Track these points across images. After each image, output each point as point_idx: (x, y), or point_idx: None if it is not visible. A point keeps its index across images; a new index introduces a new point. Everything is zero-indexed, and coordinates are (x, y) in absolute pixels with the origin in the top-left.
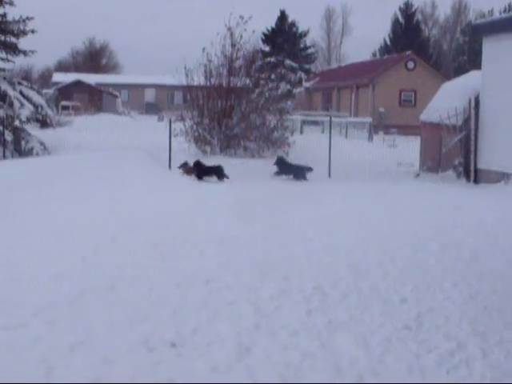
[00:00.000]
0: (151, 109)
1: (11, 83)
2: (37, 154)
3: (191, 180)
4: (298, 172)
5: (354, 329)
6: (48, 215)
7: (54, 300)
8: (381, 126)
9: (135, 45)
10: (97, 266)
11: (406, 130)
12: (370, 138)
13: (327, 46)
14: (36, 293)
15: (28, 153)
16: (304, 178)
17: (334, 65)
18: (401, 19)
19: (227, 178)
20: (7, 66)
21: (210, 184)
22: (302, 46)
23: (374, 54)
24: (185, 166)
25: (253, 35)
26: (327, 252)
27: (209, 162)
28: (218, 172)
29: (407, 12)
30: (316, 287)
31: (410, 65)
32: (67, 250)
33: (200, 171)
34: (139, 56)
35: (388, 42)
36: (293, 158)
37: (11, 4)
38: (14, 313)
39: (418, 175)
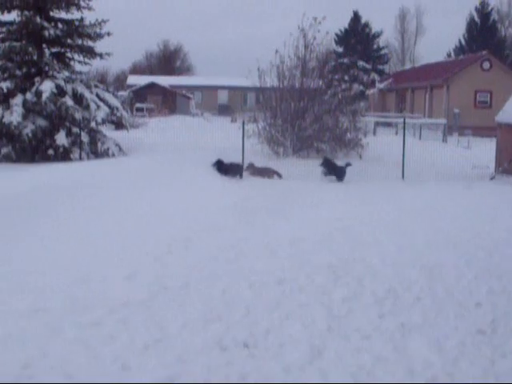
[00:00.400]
0: (224, 110)
1: (88, 86)
2: (112, 155)
3: (258, 181)
4: (340, 173)
5: (427, 332)
6: (120, 216)
7: (128, 299)
8: (455, 127)
9: (208, 47)
10: (170, 266)
11: (481, 131)
12: (444, 140)
13: (401, 47)
14: (110, 292)
15: (104, 154)
16: (341, 178)
17: (408, 65)
18: (476, 19)
19: (241, 176)
20: (84, 68)
21: (272, 184)
22: (375, 46)
23: (449, 55)
24: (251, 168)
25: (326, 36)
26: (400, 254)
27: (281, 163)
28: (237, 170)
29: (483, 11)
30: (389, 290)
31: (486, 65)
32: (141, 250)
33: (220, 169)
34: (212, 58)
35: (463, 42)
36: (366, 160)
37: (88, 9)
38: (89, 312)
39: (493, 177)
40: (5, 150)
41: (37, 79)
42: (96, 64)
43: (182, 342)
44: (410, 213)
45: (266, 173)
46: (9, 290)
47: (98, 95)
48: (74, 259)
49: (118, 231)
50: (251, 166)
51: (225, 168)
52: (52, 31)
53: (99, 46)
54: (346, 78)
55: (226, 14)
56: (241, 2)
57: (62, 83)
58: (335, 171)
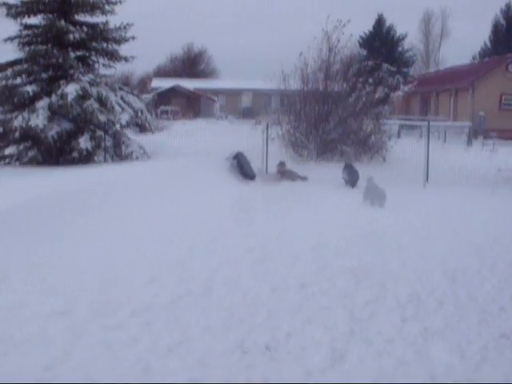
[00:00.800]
0: (248, 113)
1: (112, 89)
2: (136, 158)
3: (281, 184)
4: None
5: (450, 337)
6: (141, 220)
7: (151, 302)
8: (480, 130)
9: (232, 50)
10: (193, 269)
11: (506, 134)
12: (469, 143)
13: (425, 50)
14: (133, 295)
15: (128, 157)
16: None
17: (433, 68)
18: (502, 21)
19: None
20: (108, 72)
21: (294, 188)
22: (399, 49)
23: (474, 57)
24: (281, 166)
25: (350, 39)
26: (423, 259)
27: (305, 166)
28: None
29: (508, 13)
30: (411, 294)
31: None
32: (163, 254)
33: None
34: (236, 61)
35: (488, 45)
36: (389, 163)
37: (112, 13)
38: (112, 313)
39: None
40: (31, 153)
41: (62, 82)
42: (120, 67)
43: (204, 345)
44: (433, 217)
45: (291, 175)
46: (34, 292)
47: (122, 98)
48: (97, 263)
49: (140, 235)
50: (281, 165)
51: (243, 162)
52: (77, 34)
53: (124, 49)
54: (371, 80)
55: (250, 17)
56: (265, 6)
57: (87, 86)
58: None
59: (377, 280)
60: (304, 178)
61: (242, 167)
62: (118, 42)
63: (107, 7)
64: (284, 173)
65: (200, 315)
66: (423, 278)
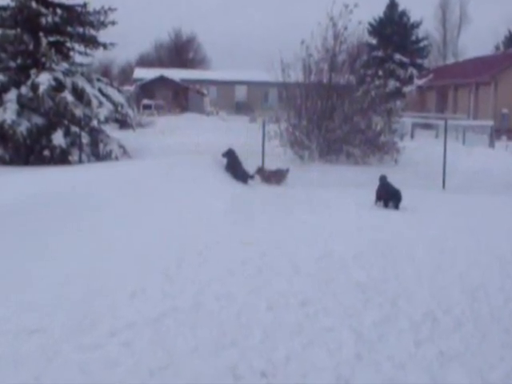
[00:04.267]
0: (242, 108)
1: (89, 80)
2: (116, 157)
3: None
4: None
5: (469, 362)
6: (124, 228)
7: (133, 320)
8: (504, 129)
9: (225, 37)
10: (179, 283)
11: None
12: (491, 144)
13: (442, 39)
14: (113, 311)
15: (106, 156)
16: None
17: (451, 60)
18: None
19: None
20: (85, 60)
21: (294, 192)
22: (413, 38)
23: (497, 48)
24: (261, 172)
25: (358, 26)
26: (439, 274)
27: (306, 169)
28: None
29: None
30: (426, 313)
31: None
32: (146, 265)
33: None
34: (230, 49)
35: None
36: (402, 166)
37: None
38: (90, 332)
39: None
40: None
41: (33, 71)
42: (99, 55)
43: (192, 369)
44: (451, 227)
45: (277, 176)
46: (7, 308)
47: (100, 90)
48: (74, 275)
49: (123, 244)
50: (260, 171)
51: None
52: (50, 18)
53: (102, 35)
54: (381, 73)
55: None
56: None
57: (61, 76)
58: (389, 196)
59: (387, 297)
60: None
61: (233, 168)
62: (97, 27)
63: None
64: (269, 177)
65: (187, 334)
66: (439, 294)
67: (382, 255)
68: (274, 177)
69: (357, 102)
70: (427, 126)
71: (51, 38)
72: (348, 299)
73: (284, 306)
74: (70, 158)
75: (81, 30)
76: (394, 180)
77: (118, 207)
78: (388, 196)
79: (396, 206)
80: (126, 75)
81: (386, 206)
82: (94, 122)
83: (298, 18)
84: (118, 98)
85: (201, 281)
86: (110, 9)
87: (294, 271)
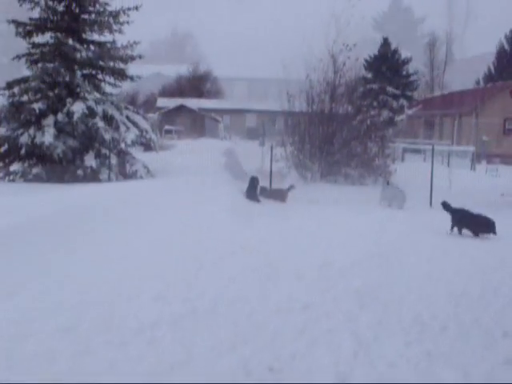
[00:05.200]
0: (253, 133)
1: (118, 108)
2: (141, 177)
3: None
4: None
5: (453, 361)
6: (147, 237)
7: (155, 320)
8: (483, 155)
9: (237, 70)
10: (198, 288)
11: (509, 159)
12: (473, 167)
13: (430, 74)
14: (137, 312)
15: (132, 175)
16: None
17: (437, 92)
18: (506, 47)
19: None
20: (115, 91)
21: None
22: (404, 73)
23: (478, 82)
24: (264, 192)
25: (356, 62)
26: (428, 282)
27: (309, 188)
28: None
29: None
30: (415, 317)
31: None
32: (168, 272)
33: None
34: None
35: (492, 70)
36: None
37: (120, 32)
38: (116, 331)
39: None
40: (35, 170)
41: (68, 100)
42: (126, 86)
43: (208, 365)
44: (440, 241)
45: (279, 194)
46: (41, 309)
47: (127, 117)
48: (102, 280)
49: (146, 252)
50: (264, 191)
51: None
52: (84, 53)
53: (130, 68)
54: (375, 103)
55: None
56: (273, 27)
57: (93, 104)
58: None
59: (381, 302)
60: (291, 187)
61: (250, 191)
62: (125, 60)
63: (115, 26)
64: (272, 195)
65: (205, 334)
66: (427, 300)
67: (377, 266)
68: (277, 195)
69: (354, 129)
70: (416, 151)
71: (85, 71)
72: (346, 304)
73: (290, 309)
74: (100, 176)
75: (111, 63)
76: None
77: (142, 219)
78: (477, 225)
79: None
80: (150, 104)
81: (476, 235)
82: (122, 145)
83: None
84: (143, 124)
85: (217, 286)
86: (135, 42)
87: (297, 279)
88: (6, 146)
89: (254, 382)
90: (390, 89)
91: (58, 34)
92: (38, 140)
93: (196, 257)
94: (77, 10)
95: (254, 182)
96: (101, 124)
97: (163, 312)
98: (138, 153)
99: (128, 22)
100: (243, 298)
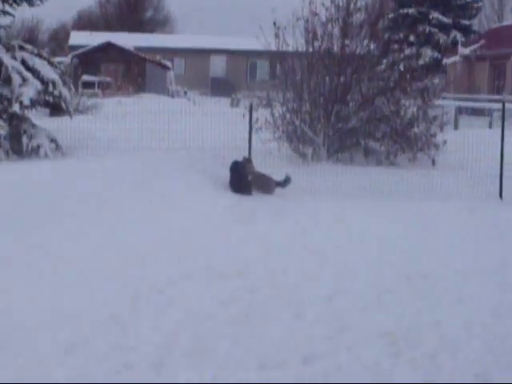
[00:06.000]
0: (220, 87)
1: (8, 48)
2: (46, 155)
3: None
4: None
5: None
6: (68, 255)
7: None
8: None
9: None
10: (134, 330)
11: None
12: None
13: None
14: (45, 370)
15: (32, 153)
16: None
17: (508, 20)
18: None
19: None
20: (3, 21)
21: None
22: None
23: None
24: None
25: None
26: (495, 318)
27: (310, 171)
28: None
29: None
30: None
31: None
32: (90, 306)
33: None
34: (201, 7)
35: None
36: (442, 168)
37: None
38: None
39: None
40: None
41: None
42: (22, 14)
43: None
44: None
45: (262, 183)
46: None
47: (24, 62)
48: None
49: (63, 277)
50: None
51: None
52: None
53: None
54: (412, 38)
55: None
56: None
57: None
58: None
59: (425, 351)
60: (286, 181)
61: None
62: None
63: None
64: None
65: None
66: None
67: (415, 293)
68: (260, 183)
69: (379, 78)
70: (477, 112)
71: None
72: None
73: (281, 364)
74: None
75: None
76: (431, 187)
77: (58, 227)
78: None
79: None
80: (59, 41)
81: None
82: (16, 107)
83: None
84: (49, 73)
85: (165, 328)
86: None
87: (294, 315)
88: None
89: None
90: (435, 15)
91: None
92: None
93: (135, 281)
94: None
95: (238, 167)
96: None
97: (79, 372)
98: (41, 118)
99: None
100: (208, 349)
